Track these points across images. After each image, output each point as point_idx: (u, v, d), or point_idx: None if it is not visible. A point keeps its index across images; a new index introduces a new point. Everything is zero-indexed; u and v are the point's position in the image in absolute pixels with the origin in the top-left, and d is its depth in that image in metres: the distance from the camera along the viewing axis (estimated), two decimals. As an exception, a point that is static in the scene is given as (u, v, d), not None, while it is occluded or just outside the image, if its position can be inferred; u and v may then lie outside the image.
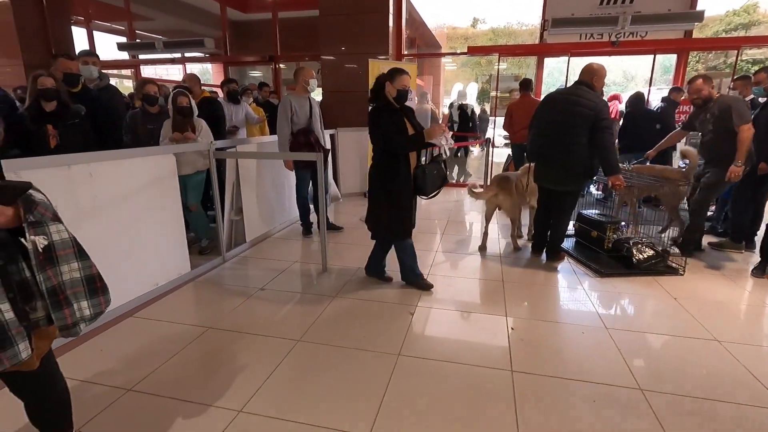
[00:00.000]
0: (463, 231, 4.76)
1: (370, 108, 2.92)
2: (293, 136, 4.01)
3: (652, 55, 6.56)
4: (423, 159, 3.05)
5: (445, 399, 1.95)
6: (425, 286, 3.13)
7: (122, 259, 2.76)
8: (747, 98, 4.54)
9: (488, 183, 4.43)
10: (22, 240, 1.14)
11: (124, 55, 8.98)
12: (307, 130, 4.05)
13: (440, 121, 7.93)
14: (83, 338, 2.43)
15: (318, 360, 2.26)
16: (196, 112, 3.68)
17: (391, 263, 3.25)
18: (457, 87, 15.35)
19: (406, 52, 7.47)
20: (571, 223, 4.27)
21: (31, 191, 1.17)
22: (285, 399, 1.94)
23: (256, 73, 11.41)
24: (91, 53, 3.70)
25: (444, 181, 3.05)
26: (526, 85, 5.93)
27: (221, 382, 2.07)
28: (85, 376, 2.10)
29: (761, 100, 4.02)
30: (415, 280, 3.15)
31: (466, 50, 7.49)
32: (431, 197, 3.01)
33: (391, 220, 2.94)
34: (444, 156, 2.97)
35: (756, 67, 9.03)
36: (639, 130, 5.42)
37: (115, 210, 2.71)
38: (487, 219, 4.07)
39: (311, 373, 2.14)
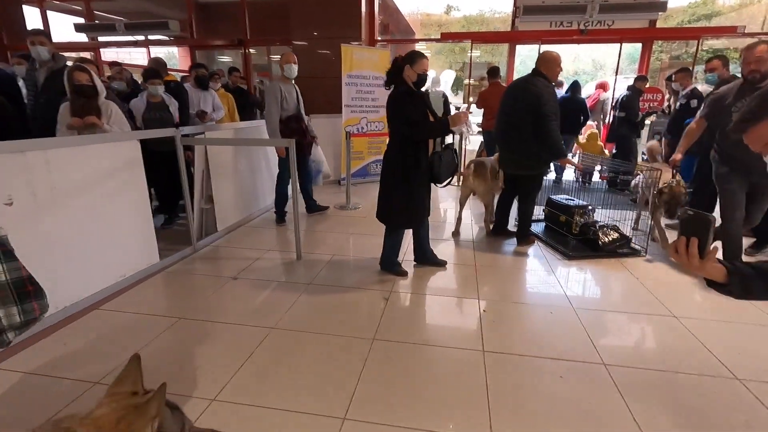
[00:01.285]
0: (437, 217, 4.80)
1: (390, 92, 2.84)
2: (284, 122, 4.00)
3: (619, 44, 6.73)
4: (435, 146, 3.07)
5: (419, 380, 1.98)
6: (401, 272, 3.17)
7: (85, 250, 2.65)
8: (687, 89, 4.87)
9: (462, 169, 4.47)
10: None
11: (83, 38, 8.51)
12: (298, 117, 4.09)
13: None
14: (46, 332, 2.34)
15: (292, 347, 2.25)
16: (102, 92, 3.12)
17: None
18: (430, 74, 15.37)
19: (379, 38, 7.40)
20: (540, 207, 4.39)
21: None
22: (259, 386, 1.93)
23: (225, 58, 11.05)
24: (37, 32, 3.43)
25: (456, 169, 3.11)
26: (493, 72, 5.99)
27: (194, 372, 2.04)
28: (50, 371, 2.03)
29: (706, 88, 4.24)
30: (433, 260, 3.30)
31: (439, 36, 7.47)
32: (445, 185, 3.05)
33: (408, 207, 2.91)
34: (467, 143, 3.05)
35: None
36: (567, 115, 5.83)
37: (75, 199, 2.59)
38: (461, 204, 4.12)
39: (285, 360, 2.14)
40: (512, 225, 4.11)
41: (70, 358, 2.14)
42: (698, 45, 6.34)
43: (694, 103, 4.99)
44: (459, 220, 4.11)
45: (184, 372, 2.04)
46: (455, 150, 3.07)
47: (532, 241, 3.81)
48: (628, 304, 2.75)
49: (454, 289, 2.99)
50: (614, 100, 6.32)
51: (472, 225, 4.43)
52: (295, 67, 4.09)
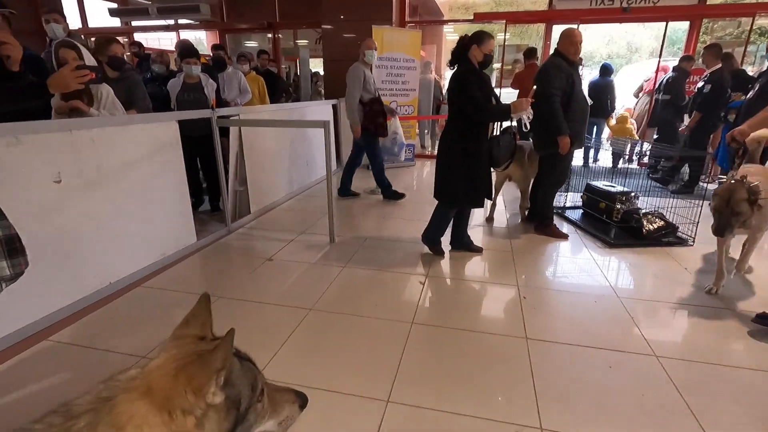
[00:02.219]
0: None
1: (453, 71, 2.86)
2: (368, 104, 4.17)
3: (664, 23, 6.36)
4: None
5: (461, 366, 1.94)
6: (439, 251, 3.18)
7: (128, 228, 2.70)
8: (709, 71, 4.72)
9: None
10: None
11: (117, 23, 8.65)
12: (379, 99, 4.29)
13: (443, 93, 7.76)
14: (94, 306, 2.41)
15: (331, 328, 2.25)
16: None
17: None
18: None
19: (408, 19, 7.23)
20: (579, 194, 4.24)
21: None
22: (301, 366, 1.94)
23: (252, 43, 11.06)
24: (52, 9, 3.47)
25: (514, 153, 3.11)
26: (530, 53, 5.84)
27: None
28: (97, 344, 2.09)
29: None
30: (469, 245, 3.26)
31: (471, 17, 7.24)
32: (503, 168, 3.12)
33: (469, 188, 2.91)
34: (525, 129, 3.06)
35: (762, 38, 8.81)
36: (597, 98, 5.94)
37: (119, 178, 2.63)
38: (496, 190, 4.01)
39: (325, 341, 2.14)
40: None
41: (117, 332, 2.20)
42: (752, 23, 5.91)
43: (707, 88, 4.76)
44: (493, 205, 4.02)
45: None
46: (514, 134, 3.05)
47: (551, 233, 3.59)
48: (676, 295, 2.62)
49: (491, 275, 2.93)
50: (657, 83, 6.01)
51: (506, 211, 4.32)
52: (375, 53, 4.34)
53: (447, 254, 3.20)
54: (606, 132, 6.78)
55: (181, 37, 9.85)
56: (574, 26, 3.52)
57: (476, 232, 3.69)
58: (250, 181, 3.93)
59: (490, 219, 3.99)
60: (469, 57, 2.77)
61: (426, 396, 1.74)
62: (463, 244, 3.23)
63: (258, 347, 2.06)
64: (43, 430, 0.54)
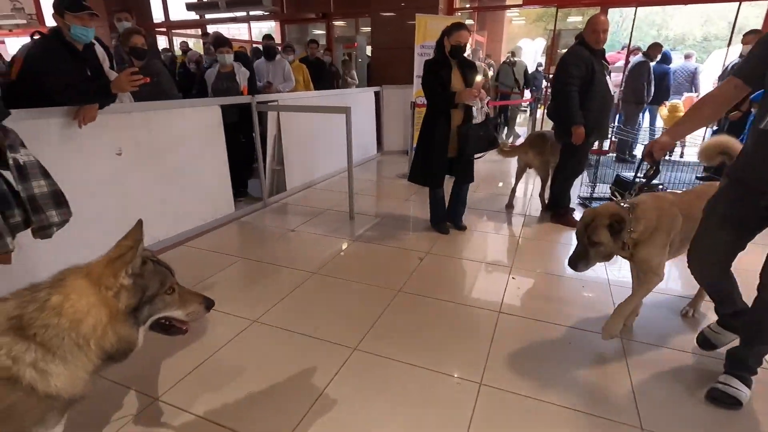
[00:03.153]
0: (494, 188, 4.78)
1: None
2: None
3: (737, 2, 5.79)
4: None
5: (431, 329, 2.18)
6: (442, 230, 3.44)
7: (176, 196, 3.22)
8: None
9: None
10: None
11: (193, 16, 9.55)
12: None
13: (487, 80, 7.69)
14: (144, 258, 2.95)
15: (326, 289, 2.58)
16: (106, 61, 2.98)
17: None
18: (523, 44, 14.47)
19: (457, 6, 7.23)
20: (607, 185, 4.15)
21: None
22: (293, 316, 2.29)
23: (319, 31, 11.60)
24: (122, 9, 3.99)
25: (491, 145, 3.24)
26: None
27: (245, 298, 2.47)
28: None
29: None
30: (455, 222, 3.51)
31: (521, 2, 7.08)
32: (476, 158, 3.24)
33: (423, 167, 3.22)
34: (474, 120, 3.08)
35: None
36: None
37: (169, 153, 3.15)
38: (517, 177, 4.08)
39: (318, 299, 2.47)
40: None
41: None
42: None
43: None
44: (512, 192, 4.09)
45: (237, 298, 2.48)
46: (493, 125, 3.11)
47: (566, 221, 3.59)
48: (670, 286, 2.61)
49: (488, 257, 3.07)
50: (726, 66, 5.51)
51: (530, 199, 4.36)
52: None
53: (460, 236, 3.39)
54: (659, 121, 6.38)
55: (252, 29, 10.62)
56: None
57: (493, 216, 3.81)
58: (287, 162, 4.36)
59: (509, 206, 4.07)
60: (443, 47, 3.01)
61: (389, 348, 2.01)
62: (450, 219, 3.50)
63: (264, 298, 2.45)
64: (14, 296, 0.93)
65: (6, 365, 0.86)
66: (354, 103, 5.50)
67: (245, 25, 10.27)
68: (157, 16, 9.66)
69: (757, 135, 1.52)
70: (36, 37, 2.51)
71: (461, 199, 3.43)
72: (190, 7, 9.03)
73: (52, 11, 2.37)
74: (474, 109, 2.97)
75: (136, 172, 2.92)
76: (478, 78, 3.12)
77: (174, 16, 9.71)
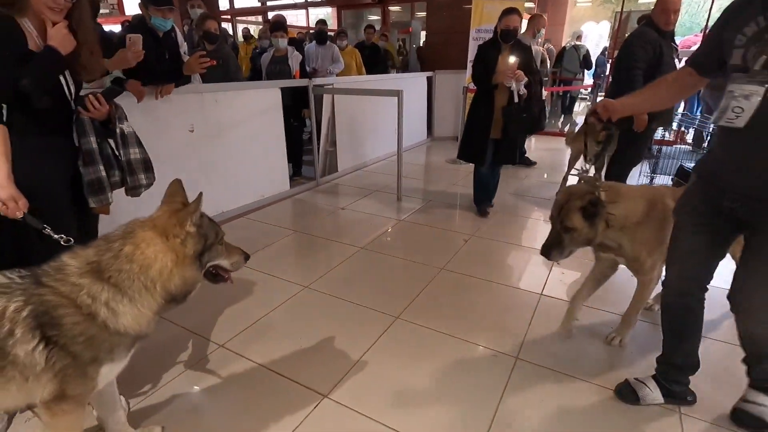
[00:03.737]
0: (547, 175, 4.69)
1: None
2: None
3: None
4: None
5: (470, 305, 2.26)
6: (481, 212, 3.51)
7: (238, 171, 3.49)
8: None
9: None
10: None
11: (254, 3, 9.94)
12: None
13: (547, 63, 7.40)
14: (209, 227, 3.24)
15: (372, 264, 2.72)
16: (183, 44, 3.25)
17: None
18: (587, 27, 13.66)
19: (518, -12, 6.99)
20: (668, 178, 3.96)
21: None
22: (341, 285, 2.45)
23: (375, 17, 11.66)
24: None
25: (534, 127, 3.33)
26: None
27: (298, 267, 2.68)
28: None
29: None
30: (475, 204, 3.58)
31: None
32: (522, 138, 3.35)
33: (466, 144, 3.40)
34: (515, 100, 3.10)
35: None
36: None
37: (234, 131, 3.40)
38: (569, 165, 3.98)
39: (365, 271, 2.62)
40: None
41: (222, 245, 2.97)
42: None
43: None
44: (564, 180, 4.00)
45: (291, 266, 2.69)
46: (539, 108, 3.13)
47: None
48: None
49: (534, 243, 3.07)
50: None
51: (581, 189, 4.24)
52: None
53: (506, 221, 3.43)
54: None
55: (311, 14, 10.88)
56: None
57: (543, 205, 3.77)
58: (339, 144, 4.53)
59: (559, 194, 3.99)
60: (496, 31, 3.14)
61: (430, 320, 2.11)
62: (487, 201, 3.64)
63: (315, 268, 2.64)
64: (93, 246, 1.11)
65: (86, 303, 1.03)
66: (406, 87, 5.56)
67: (303, 11, 10.55)
68: (223, 4, 10.17)
69: (718, 129, 1.36)
70: (125, 24, 2.84)
71: (496, 178, 3.56)
72: (253, -7, 9.42)
73: (139, 1, 2.65)
74: (513, 87, 3.02)
75: (204, 147, 3.20)
76: (511, 60, 3.09)
77: (238, 4, 10.17)
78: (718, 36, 1.29)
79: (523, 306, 2.25)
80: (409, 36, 8.74)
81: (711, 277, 1.45)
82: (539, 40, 7.57)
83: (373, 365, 1.81)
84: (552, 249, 1.66)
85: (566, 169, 4.02)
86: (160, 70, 2.70)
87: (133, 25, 2.74)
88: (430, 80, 6.40)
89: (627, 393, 1.62)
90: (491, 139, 3.22)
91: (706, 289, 1.46)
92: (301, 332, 2.02)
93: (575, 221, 1.57)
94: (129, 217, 1.16)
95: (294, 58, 4.19)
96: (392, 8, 9.28)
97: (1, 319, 0.96)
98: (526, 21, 4.68)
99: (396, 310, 2.19)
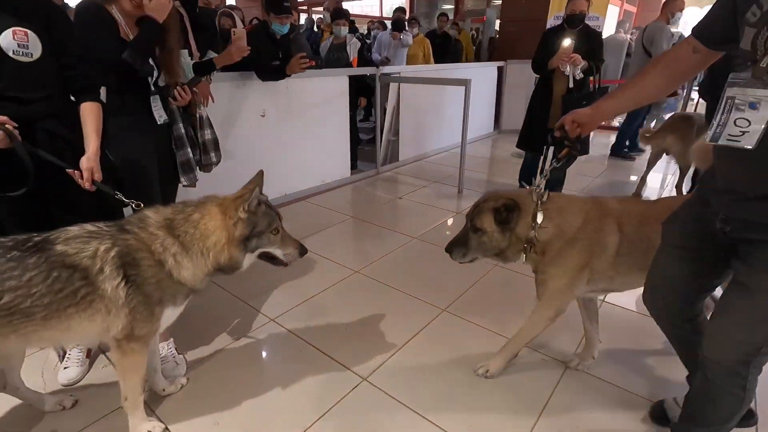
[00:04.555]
0: (625, 175, 4.32)
1: None
2: None
3: None
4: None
5: (522, 305, 2.17)
6: None
7: (302, 156, 3.62)
8: None
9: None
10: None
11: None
12: None
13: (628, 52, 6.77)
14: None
15: (424, 254, 2.70)
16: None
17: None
18: (690, 12, 12.27)
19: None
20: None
21: None
22: (391, 272, 2.47)
23: (448, 6, 11.43)
24: None
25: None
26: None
27: (350, 252, 2.75)
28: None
29: None
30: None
31: (691, -37, 5.99)
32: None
33: (523, 133, 3.47)
34: (570, 85, 3.05)
35: None
36: None
37: (301, 118, 3.53)
38: (649, 164, 3.64)
39: (415, 262, 2.61)
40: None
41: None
42: None
43: None
44: (642, 180, 3.67)
45: (344, 250, 2.76)
46: (600, 95, 3.01)
47: None
48: None
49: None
50: None
51: (664, 191, 3.86)
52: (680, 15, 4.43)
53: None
54: None
55: (383, 4, 10.93)
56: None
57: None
58: (401, 133, 4.53)
59: (637, 195, 3.67)
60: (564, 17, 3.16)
61: (477, 316, 2.06)
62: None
63: (369, 254, 2.69)
64: (172, 206, 1.27)
65: (159, 251, 1.20)
66: (475, 77, 5.39)
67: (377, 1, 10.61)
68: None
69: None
70: (255, 23, 3.19)
71: (559, 174, 3.42)
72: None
73: (263, 7, 2.93)
74: (568, 71, 2.95)
75: (273, 132, 3.36)
76: (566, 43, 2.99)
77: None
78: (724, 2, 0.98)
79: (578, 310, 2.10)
80: (482, 25, 8.44)
81: (696, 310, 1.24)
82: (627, 26, 6.96)
83: (414, 354, 1.81)
84: (455, 247, 1.53)
85: (646, 167, 3.67)
86: (271, 68, 3.00)
87: (257, 28, 3.07)
88: (500, 70, 6.15)
89: (657, 413, 1.46)
90: (550, 128, 3.12)
91: (696, 318, 1.24)
92: (347, 315, 2.07)
93: (485, 222, 1.45)
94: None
95: (353, 45, 4.22)
96: (468, -4, 9.01)
97: (94, 258, 1.13)
98: (662, 4, 4.35)
99: (444, 302, 2.17)
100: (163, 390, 1.57)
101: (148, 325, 1.23)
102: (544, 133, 3.16)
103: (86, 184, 1.34)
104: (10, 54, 1.23)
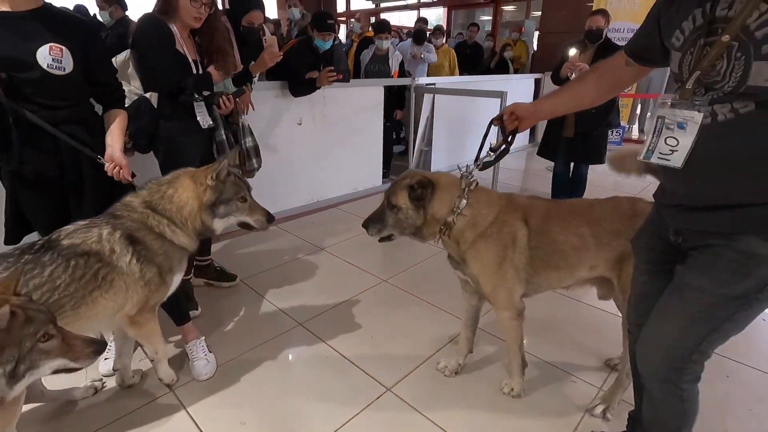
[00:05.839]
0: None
1: None
2: None
3: None
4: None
5: (555, 323, 2.11)
6: None
7: (336, 165, 3.69)
8: None
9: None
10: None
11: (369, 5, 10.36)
12: None
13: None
14: (307, 213, 3.49)
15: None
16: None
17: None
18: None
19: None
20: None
21: None
22: (418, 283, 2.47)
23: (486, 17, 11.41)
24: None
25: (607, 125, 3.37)
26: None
27: (379, 261, 2.76)
28: (304, 236, 3.10)
29: None
30: None
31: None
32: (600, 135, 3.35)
33: (542, 141, 3.63)
34: None
35: None
36: None
37: (336, 127, 3.60)
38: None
39: (444, 274, 2.55)
40: None
41: (314, 233, 3.17)
42: None
43: None
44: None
45: (373, 259, 2.78)
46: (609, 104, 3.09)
47: None
48: None
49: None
50: None
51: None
52: None
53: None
54: None
55: (421, 15, 11.02)
56: None
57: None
58: (435, 144, 4.53)
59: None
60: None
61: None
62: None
63: (397, 263, 2.71)
64: (148, 188, 1.41)
65: (155, 225, 1.35)
66: (511, 89, 5.34)
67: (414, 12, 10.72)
68: (341, 6, 10.80)
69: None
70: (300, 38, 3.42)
71: (577, 178, 3.54)
72: (368, -5, 9.86)
73: (308, 23, 3.30)
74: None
75: (308, 140, 3.44)
76: (571, 52, 3.09)
77: (355, 6, 10.71)
78: (655, 20, 0.99)
79: (616, 330, 2.02)
80: (520, 36, 8.37)
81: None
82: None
83: (436, 372, 1.79)
84: (371, 222, 1.52)
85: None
86: (303, 81, 3.11)
87: (301, 42, 3.24)
88: (537, 83, 6.06)
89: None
90: (565, 137, 3.32)
91: None
92: (374, 323, 2.09)
93: (399, 199, 1.45)
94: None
95: (395, 59, 4.26)
96: (506, 8, 8.97)
97: (100, 242, 1.25)
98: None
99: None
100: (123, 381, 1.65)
101: (160, 294, 1.40)
102: (559, 143, 3.40)
103: (126, 179, 1.48)
104: (45, 67, 1.35)
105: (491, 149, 1.41)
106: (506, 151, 1.39)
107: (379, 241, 1.55)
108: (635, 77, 1.19)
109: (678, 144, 0.89)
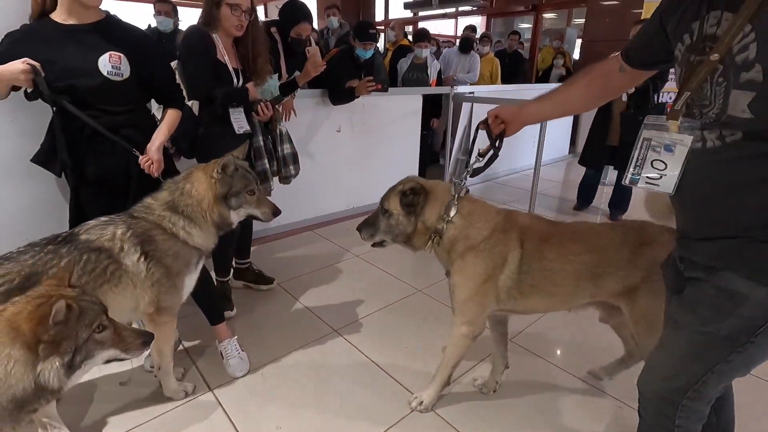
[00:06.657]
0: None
1: None
2: None
3: None
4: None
5: (591, 338, 2.02)
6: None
7: (370, 171, 3.70)
8: None
9: None
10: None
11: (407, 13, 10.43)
12: None
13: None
14: (341, 218, 3.51)
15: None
16: None
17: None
18: None
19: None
20: None
21: None
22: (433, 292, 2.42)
23: (526, 25, 11.24)
24: (330, 5, 4.68)
25: (632, 130, 3.30)
26: None
27: (412, 271, 2.74)
28: (335, 248, 3.12)
29: None
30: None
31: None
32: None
33: (584, 149, 3.63)
34: (623, 98, 3.12)
35: None
36: None
37: (374, 134, 3.63)
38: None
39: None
40: None
41: (350, 239, 3.17)
42: None
43: None
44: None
45: (409, 268, 2.76)
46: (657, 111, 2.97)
47: None
48: None
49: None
50: None
51: None
52: None
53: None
54: None
55: (459, 23, 10.99)
56: None
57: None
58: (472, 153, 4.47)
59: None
60: None
61: (541, 349, 1.95)
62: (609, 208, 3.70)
63: (431, 273, 2.66)
64: (166, 188, 1.44)
65: (170, 227, 1.39)
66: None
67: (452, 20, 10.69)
68: (380, 15, 10.92)
69: None
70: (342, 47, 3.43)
71: (619, 189, 3.51)
72: (407, 5, 9.89)
73: (352, 33, 3.33)
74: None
75: (346, 147, 3.48)
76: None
77: (393, 14, 10.81)
78: (654, 21, 0.94)
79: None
80: (561, 44, 8.17)
81: None
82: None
83: (464, 390, 1.74)
84: (365, 226, 1.51)
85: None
86: (342, 90, 3.14)
87: (342, 52, 3.21)
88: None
89: None
90: (608, 145, 3.30)
91: None
92: (408, 334, 2.06)
93: (392, 204, 1.45)
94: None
95: (433, 67, 4.26)
96: (547, 15, 8.79)
97: (113, 240, 1.30)
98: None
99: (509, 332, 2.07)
100: None
101: (172, 296, 1.42)
102: (603, 151, 3.41)
103: (155, 174, 1.54)
104: (105, 74, 1.45)
105: (479, 154, 1.39)
106: (495, 156, 1.37)
107: (372, 246, 1.54)
108: (627, 84, 1.15)
109: (666, 168, 0.85)
